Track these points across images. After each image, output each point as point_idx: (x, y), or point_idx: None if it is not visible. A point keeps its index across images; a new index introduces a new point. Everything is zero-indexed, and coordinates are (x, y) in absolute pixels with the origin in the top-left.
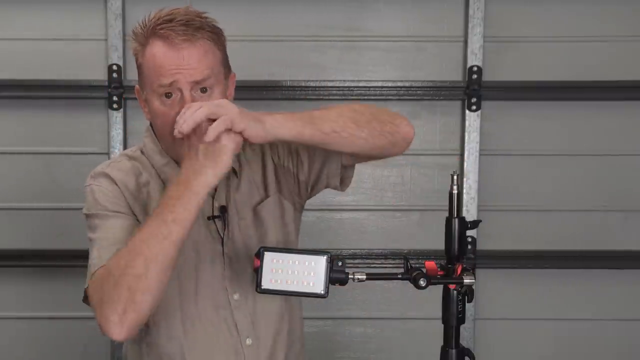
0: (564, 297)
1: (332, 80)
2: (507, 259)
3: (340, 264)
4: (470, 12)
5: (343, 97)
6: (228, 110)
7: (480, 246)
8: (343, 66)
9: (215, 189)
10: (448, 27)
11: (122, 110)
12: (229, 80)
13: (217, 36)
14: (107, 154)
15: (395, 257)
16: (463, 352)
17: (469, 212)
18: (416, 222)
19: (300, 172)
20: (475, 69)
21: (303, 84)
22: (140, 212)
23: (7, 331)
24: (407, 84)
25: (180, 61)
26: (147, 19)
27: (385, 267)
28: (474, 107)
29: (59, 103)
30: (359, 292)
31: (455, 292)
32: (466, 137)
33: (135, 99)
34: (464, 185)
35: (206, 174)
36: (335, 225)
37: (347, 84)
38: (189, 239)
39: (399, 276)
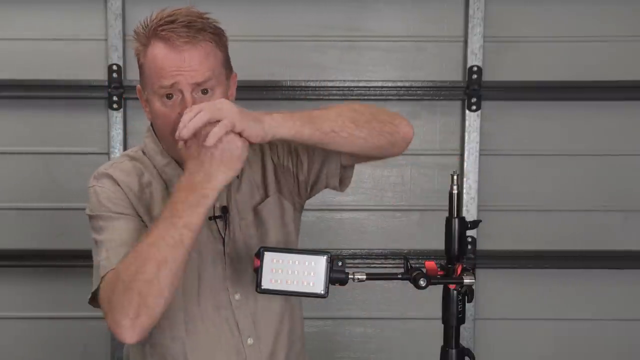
0: (564, 297)
1: (332, 80)
2: (507, 259)
3: (340, 264)
4: (470, 12)
5: (343, 97)
6: (228, 113)
7: (480, 246)
8: (343, 66)
9: None
10: (448, 27)
11: (122, 110)
12: (230, 80)
13: (218, 37)
14: (107, 154)
15: (395, 257)
16: (463, 352)
17: (469, 212)
18: (416, 222)
19: (300, 172)
20: (475, 69)
21: (303, 84)
22: (144, 212)
23: (7, 331)
24: (407, 84)
25: (181, 63)
26: (149, 19)
27: (385, 267)
28: (474, 107)
29: (59, 103)
30: (359, 292)
31: (455, 292)
32: (466, 137)
33: (135, 99)
34: (464, 185)
35: (218, 178)
36: (335, 225)
37: (347, 84)
38: None
39: (399, 276)
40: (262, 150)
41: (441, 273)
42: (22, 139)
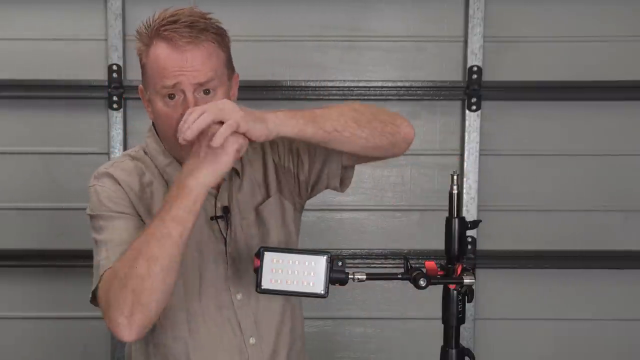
0: (564, 297)
1: (332, 80)
2: (507, 259)
3: (340, 264)
4: (470, 12)
5: (343, 97)
6: (231, 114)
7: (480, 246)
8: (343, 66)
9: (218, 189)
10: (448, 27)
11: (122, 110)
12: (233, 80)
13: (221, 37)
14: (107, 154)
15: (395, 257)
16: (463, 352)
17: (469, 212)
18: (416, 222)
19: (301, 172)
20: (475, 69)
21: (303, 84)
22: (144, 212)
23: (7, 331)
24: (407, 84)
25: (183, 63)
26: (151, 19)
27: (385, 267)
28: (474, 107)
29: (59, 103)
30: (359, 292)
31: (455, 292)
32: (466, 137)
33: (135, 99)
34: (464, 185)
35: (201, 173)
36: (335, 225)
37: (347, 84)
38: (192, 239)
39: (399, 276)
40: (263, 150)
41: (441, 273)
42: (22, 139)
